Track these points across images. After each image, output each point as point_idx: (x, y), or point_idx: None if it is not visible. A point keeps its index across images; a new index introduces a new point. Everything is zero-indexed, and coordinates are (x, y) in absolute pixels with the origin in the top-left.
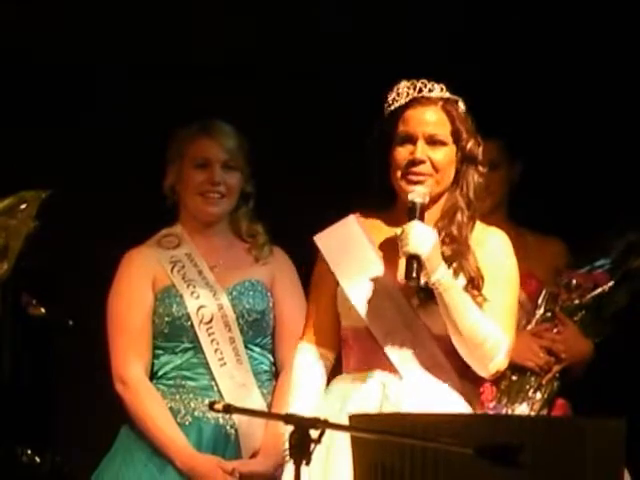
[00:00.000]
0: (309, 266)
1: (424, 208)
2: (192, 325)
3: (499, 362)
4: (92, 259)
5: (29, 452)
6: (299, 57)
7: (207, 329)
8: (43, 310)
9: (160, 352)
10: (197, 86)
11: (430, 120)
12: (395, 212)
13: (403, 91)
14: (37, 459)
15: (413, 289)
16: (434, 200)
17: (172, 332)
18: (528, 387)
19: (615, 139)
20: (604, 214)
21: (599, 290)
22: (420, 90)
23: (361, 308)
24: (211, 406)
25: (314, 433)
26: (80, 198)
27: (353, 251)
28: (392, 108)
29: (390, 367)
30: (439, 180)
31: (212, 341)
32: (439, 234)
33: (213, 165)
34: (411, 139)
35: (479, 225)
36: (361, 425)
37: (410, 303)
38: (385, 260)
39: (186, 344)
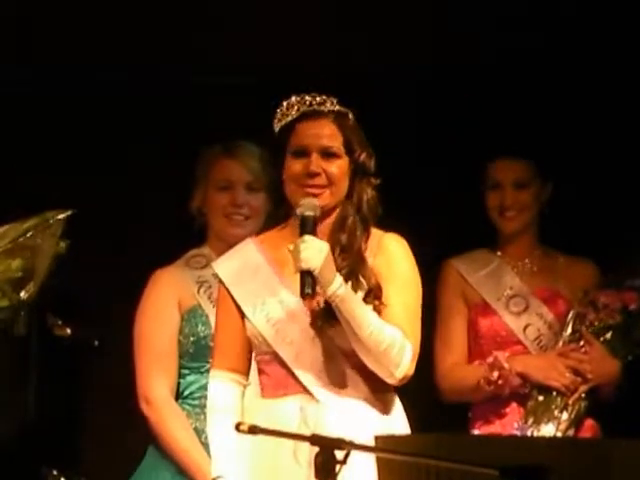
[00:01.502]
0: None
1: (316, 221)
2: None
3: (405, 367)
4: (116, 277)
5: (55, 473)
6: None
7: None
8: (69, 331)
9: (186, 372)
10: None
11: (323, 133)
12: (290, 227)
13: (294, 105)
14: None
15: (318, 306)
16: (328, 214)
17: (198, 352)
18: (554, 407)
19: None
20: (635, 234)
21: (628, 309)
22: (310, 104)
23: (267, 334)
24: (237, 427)
25: (339, 454)
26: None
27: (253, 275)
28: (283, 122)
29: (306, 390)
30: (334, 192)
31: None
32: (332, 247)
33: (236, 187)
34: (305, 152)
35: (375, 232)
36: (387, 447)
37: (316, 321)
38: (285, 280)
39: None
